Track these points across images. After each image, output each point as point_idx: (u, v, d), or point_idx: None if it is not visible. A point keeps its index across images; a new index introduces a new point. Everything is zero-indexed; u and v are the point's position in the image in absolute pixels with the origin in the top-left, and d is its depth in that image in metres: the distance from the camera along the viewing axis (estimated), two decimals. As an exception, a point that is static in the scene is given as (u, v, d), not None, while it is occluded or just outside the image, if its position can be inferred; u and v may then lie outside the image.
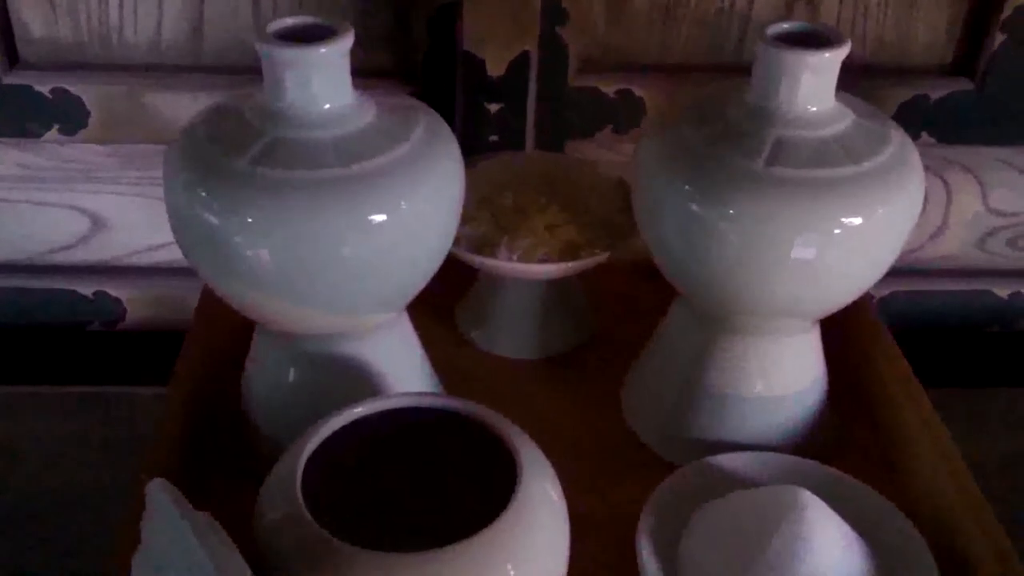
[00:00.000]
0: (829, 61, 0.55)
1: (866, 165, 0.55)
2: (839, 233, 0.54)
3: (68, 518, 0.71)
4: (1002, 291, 0.90)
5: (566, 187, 0.71)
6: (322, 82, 0.53)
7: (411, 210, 0.53)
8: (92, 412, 0.81)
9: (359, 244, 0.52)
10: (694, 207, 0.56)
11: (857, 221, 0.54)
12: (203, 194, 0.52)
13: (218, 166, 0.52)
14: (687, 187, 0.56)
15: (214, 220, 0.52)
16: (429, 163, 0.55)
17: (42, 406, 0.81)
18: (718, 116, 0.58)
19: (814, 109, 0.57)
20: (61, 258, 0.87)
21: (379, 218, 0.52)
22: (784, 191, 0.54)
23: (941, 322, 0.91)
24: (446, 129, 0.58)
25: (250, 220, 0.51)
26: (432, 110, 0.59)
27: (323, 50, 0.52)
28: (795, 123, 0.56)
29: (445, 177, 0.56)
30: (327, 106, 0.54)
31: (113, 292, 0.88)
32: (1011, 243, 0.89)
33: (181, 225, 0.54)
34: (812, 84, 0.56)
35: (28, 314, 0.88)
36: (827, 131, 0.56)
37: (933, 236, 0.88)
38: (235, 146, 0.53)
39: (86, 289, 0.88)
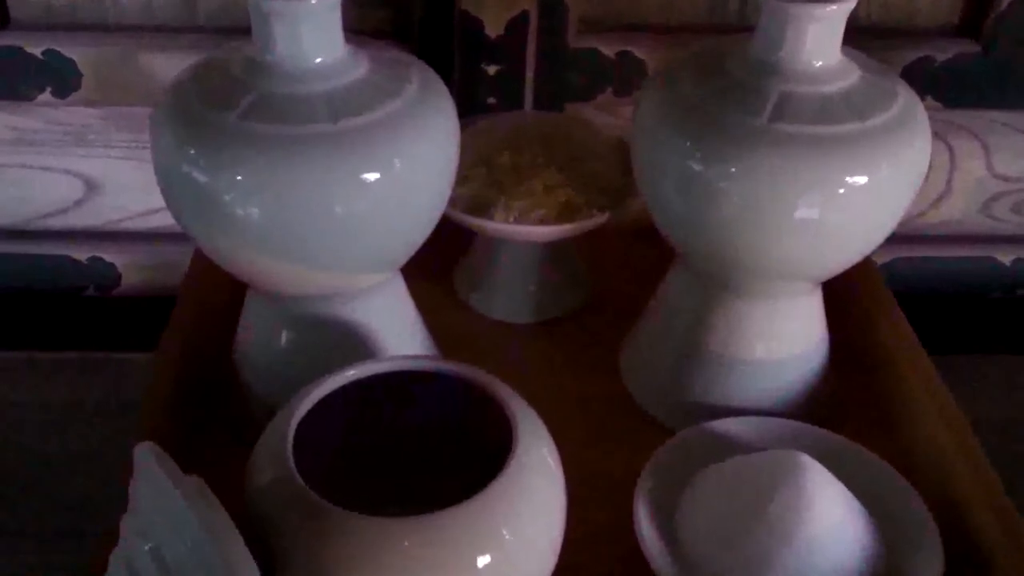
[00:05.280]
0: (835, 14, 0.54)
1: (871, 122, 0.54)
2: (843, 192, 0.54)
3: (64, 482, 0.71)
4: (1005, 257, 0.90)
5: (565, 147, 0.70)
6: (312, 35, 0.52)
7: (404, 167, 0.52)
8: (88, 377, 0.80)
9: (351, 202, 0.52)
10: (695, 165, 0.55)
11: (862, 180, 0.54)
12: (191, 151, 0.51)
13: (206, 122, 0.51)
14: (688, 144, 0.55)
15: (202, 177, 0.51)
16: (423, 119, 0.54)
17: (38, 371, 0.81)
18: (720, 71, 0.57)
19: (819, 64, 0.56)
20: (55, 223, 0.86)
21: (371, 175, 0.51)
22: (787, 148, 0.53)
23: (943, 288, 0.90)
24: (440, 84, 0.57)
25: (239, 177, 0.50)
26: (426, 65, 0.58)
27: (313, 1, 0.51)
28: (800, 78, 0.55)
29: (439, 133, 0.55)
30: (318, 60, 0.53)
31: (108, 257, 0.87)
32: (1015, 208, 0.88)
33: (169, 183, 0.54)
34: (818, 38, 0.55)
35: (23, 279, 0.88)
36: (832, 87, 0.55)
37: (936, 201, 0.87)
38: (223, 101, 0.52)
39: (81, 254, 0.87)
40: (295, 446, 0.47)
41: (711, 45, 0.61)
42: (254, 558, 0.41)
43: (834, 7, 0.54)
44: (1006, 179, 0.87)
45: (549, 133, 0.72)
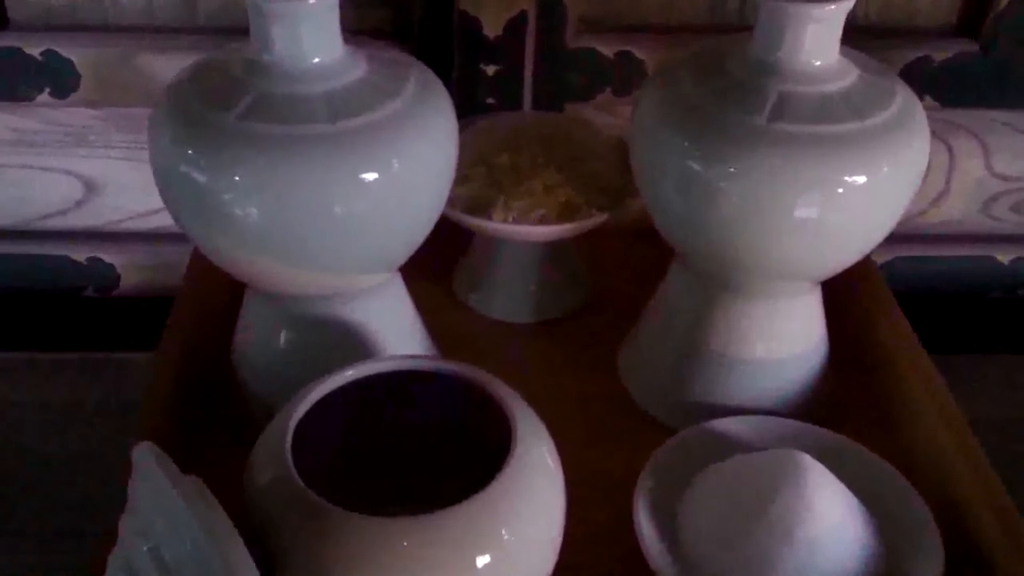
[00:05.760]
0: (834, 14, 0.54)
1: (870, 121, 0.54)
2: (842, 191, 0.53)
3: (64, 482, 0.71)
4: (1004, 256, 0.90)
5: (564, 147, 0.70)
6: (311, 35, 0.52)
7: (403, 167, 0.52)
8: (88, 377, 0.80)
9: (349, 202, 0.51)
10: (694, 165, 0.55)
11: (861, 179, 0.53)
12: (189, 151, 0.51)
13: (204, 122, 0.51)
14: (687, 144, 0.55)
15: (201, 178, 0.51)
16: (421, 119, 0.54)
17: (38, 371, 0.81)
18: (719, 70, 0.57)
19: (818, 63, 0.56)
20: (55, 223, 0.86)
21: (370, 176, 0.51)
22: (787, 148, 0.53)
23: (942, 288, 0.90)
24: (438, 84, 0.57)
25: (238, 177, 0.50)
26: (424, 65, 0.58)
27: (312, 1, 0.51)
28: (798, 78, 0.55)
29: (438, 133, 0.55)
30: (316, 60, 0.53)
31: (107, 258, 0.87)
32: (1014, 208, 0.88)
33: (168, 184, 0.53)
34: (816, 38, 0.55)
35: (23, 280, 0.88)
36: (831, 86, 0.55)
37: (936, 201, 0.87)
38: (222, 101, 0.52)
39: (80, 255, 0.87)
40: (294, 446, 0.46)
41: (710, 45, 0.60)
42: (253, 558, 0.41)
43: (832, 7, 0.54)
44: (1005, 178, 0.86)
45: (548, 133, 0.72)
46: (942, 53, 0.79)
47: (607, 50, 0.78)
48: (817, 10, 0.54)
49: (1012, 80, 0.80)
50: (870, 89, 0.56)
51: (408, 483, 0.54)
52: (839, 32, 0.56)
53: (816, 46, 0.55)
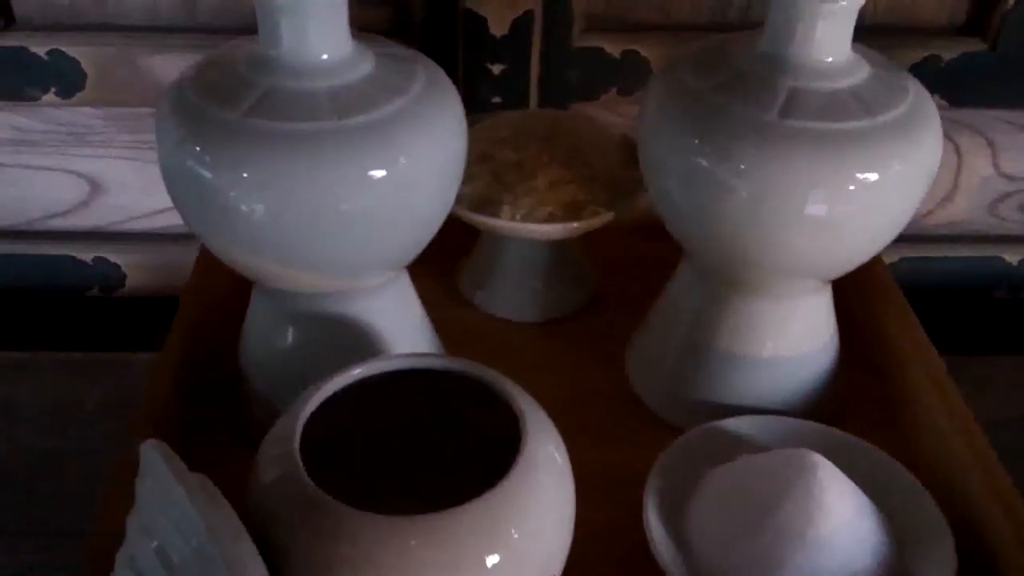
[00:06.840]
0: (845, 10, 0.54)
1: (882, 119, 0.54)
2: (853, 189, 0.53)
3: (64, 482, 0.71)
4: (1012, 257, 0.89)
5: (568, 143, 0.70)
6: (319, 30, 0.52)
7: (410, 165, 0.52)
8: (90, 377, 0.80)
9: (356, 200, 0.51)
10: (703, 161, 0.55)
11: (872, 177, 0.53)
12: (196, 147, 0.51)
13: (210, 118, 0.51)
14: (696, 140, 0.55)
15: (207, 175, 0.51)
16: (429, 117, 0.53)
17: (39, 371, 0.81)
18: (728, 65, 0.57)
19: (829, 60, 0.55)
20: (60, 223, 0.86)
21: (377, 173, 0.51)
22: (797, 145, 0.53)
23: (948, 287, 0.90)
24: (446, 81, 0.57)
25: (244, 175, 0.50)
26: (432, 62, 0.58)
27: (320, -4, 0.51)
28: (810, 73, 0.55)
29: (446, 131, 0.55)
30: (324, 56, 0.52)
31: (112, 258, 0.87)
32: (1022, 208, 0.88)
33: (174, 181, 0.53)
34: (828, 33, 0.54)
35: (27, 280, 0.88)
36: (842, 83, 0.55)
37: (943, 201, 0.87)
38: (228, 97, 0.51)
39: (85, 255, 0.87)
40: (301, 444, 0.46)
41: (718, 41, 0.60)
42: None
43: (844, 2, 0.53)
44: (1012, 178, 0.86)
45: (552, 128, 0.71)
46: (949, 52, 0.78)
47: (613, 49, 0.78)
48: (829, 5, 0.53)
49: (1019, 79, 0.80)
50: (882, 86, 0.56)
51: (413, 481, 0.54)
52: (851, 28, 0.55)
53: (828, 42, 0.55)
